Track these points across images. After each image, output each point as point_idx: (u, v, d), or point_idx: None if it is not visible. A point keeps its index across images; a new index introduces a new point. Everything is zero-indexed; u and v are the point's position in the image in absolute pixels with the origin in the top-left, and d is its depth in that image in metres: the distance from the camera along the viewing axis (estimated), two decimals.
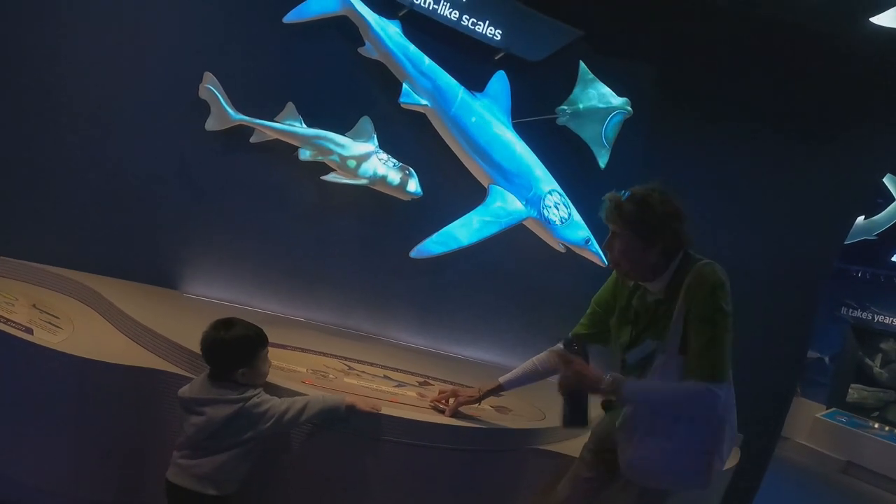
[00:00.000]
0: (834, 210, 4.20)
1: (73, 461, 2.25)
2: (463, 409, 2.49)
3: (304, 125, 3.33)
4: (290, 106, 3.30)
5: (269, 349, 2.14)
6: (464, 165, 3.74)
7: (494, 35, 3.72)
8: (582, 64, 3.91)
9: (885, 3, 3.40)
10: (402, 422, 2.29)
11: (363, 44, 3.45)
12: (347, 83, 3.53)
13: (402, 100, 3.49)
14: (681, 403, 1.93)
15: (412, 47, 3.50)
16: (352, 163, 3.40)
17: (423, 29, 3.58)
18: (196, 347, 2.07)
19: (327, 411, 2.12)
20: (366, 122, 3.45)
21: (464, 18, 3.64)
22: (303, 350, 2.88)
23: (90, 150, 3.12)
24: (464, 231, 3.60)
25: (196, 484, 1.97)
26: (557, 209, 3.78)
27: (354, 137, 3.43)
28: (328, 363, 2.80)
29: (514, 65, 3.80)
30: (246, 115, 3.23)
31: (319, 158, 3.40)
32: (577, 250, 3.89)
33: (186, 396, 2.03)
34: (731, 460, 3.69)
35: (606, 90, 3.92)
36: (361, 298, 3.75)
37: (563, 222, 3.79)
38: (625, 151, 4.03)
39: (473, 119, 3.60)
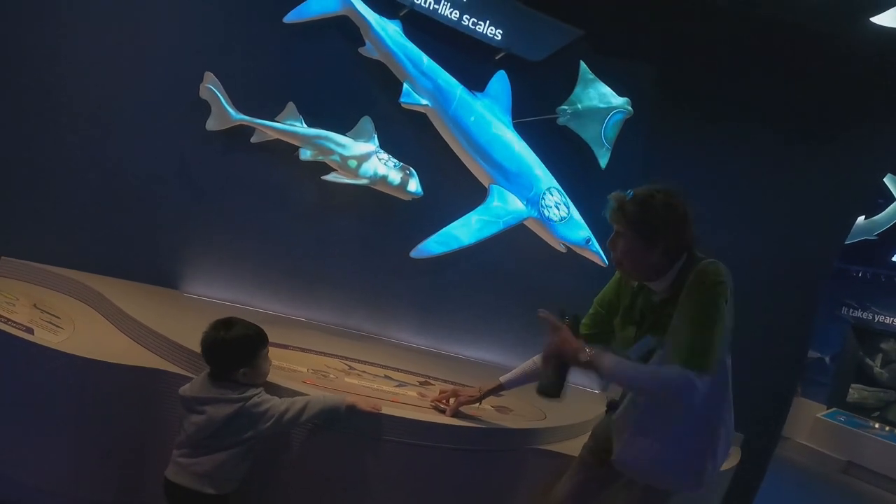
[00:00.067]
0: (834, 210, 4.20)
1: (74, 461, 2.25)
2: (463, 408, 2.49)
3: (304, 125, 3.33)
4: (291, 106, 3.30)
5: (270, 349, 2.14)
6: (464, 165, 3.74)
7: (495, 35, 3.72)
8: (582, 64, 3.91)
9: (885, 3, 3.40)
10: (403, 421, 2.29)
11: (364, 44, 3.45)
12: (348, 83, 3.53)
13: (402, 100, 3.49)
14: (656, 386, 1.91)
15: (413, 47, 3.50)
16: (352, 163, 3.40)
17: (423, 29, 3.58)
18: (196, 347, 2.07)
19: (328, 411, 2.12)
20: (366, 122, 3.45)
21: (464, 18, 3.64)
22: (303, 350, 2.88)
23: (90, 150, 3.13)
24: (464, 231, 3.60)
25: (195, 483, 1.97)
26: (558, 208, 3.78)
27: (355, 137, 3.44)
28: (329, 363, 2.79)
29: (515, 64, 3.80)
30: (247, 114, 3.23)
31: (320, 158, 3.40)
32: (578, 250, 3.89)
33: (187, 395, 2.03)
34: (732, 460, 3.69)
35: (607, 90, 3.92)
36: (362, 298, 3.75)
37: (562, 221, 3.79)
38: (625, 151, 4.03)
39: (473, 118, 3.60)
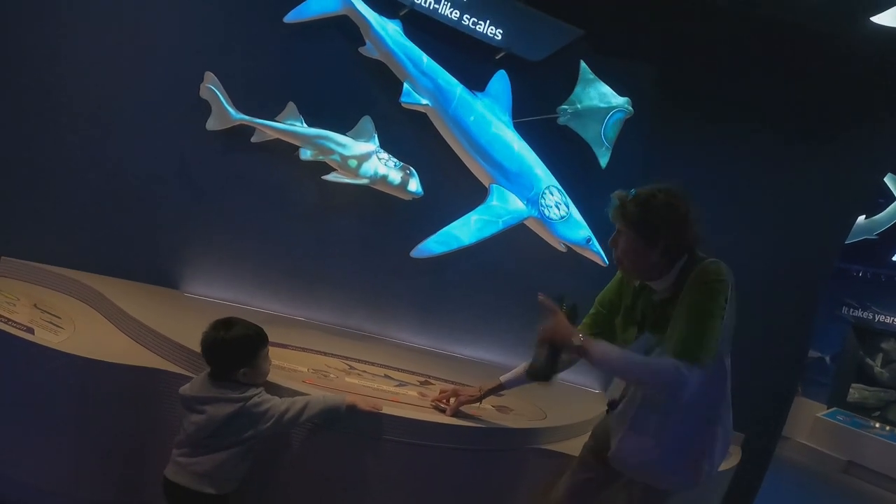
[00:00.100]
0: (834, 210, 4.20)
1: (74, 461, 2.25)
2: (464, 408, 2.49)
3: (304, 125, 3.33)
4: (291, 105, 3.30)
5: (270, 349, 2.14)
6: (464, 165, 3.74)
7: (495, 35, 3.72)
8: (583, 63, 3.91)
9: (885, 3, 3.40)
10: (403, 421, 2.29)
11: (364, 43, 3.45)
12: (348, 83, 3.53)
13: (402, 99, 3.49)
14: (647, 374, 1.92)
15: (413, 47, 3.50)
16: (353, 162, 3.40)
17: (423, 28, 3.58)
18: (196, 347, 2.07)
19: (328, 411, 2.12)
20: (367, 122, 3.45)
21: (464, 18, 3.64)
22: (304, 349, 2.88)
23: (90, 150, 3.12)
24: (465, 231, 3.60)
25: (194, 482, 1.97)
26: (558, 208, 3.78)
27: (355, 137, 3.43)
28: (329, 363, 2.80)
29: (515, 64, 3.80)
30: (247, 114, 3.23)
31: (320, 158, 3.40)
32: (579, 250, 3.89)
33: (187, 394, 2.03)
34: (732, 460, 3.70)
35: (607, 90, 3.92)
36: (362, 298, 3.75)
37: (562, 220, 3.78)
38: (625, 151, 4.03)
39: (473, 118, 3.60)
